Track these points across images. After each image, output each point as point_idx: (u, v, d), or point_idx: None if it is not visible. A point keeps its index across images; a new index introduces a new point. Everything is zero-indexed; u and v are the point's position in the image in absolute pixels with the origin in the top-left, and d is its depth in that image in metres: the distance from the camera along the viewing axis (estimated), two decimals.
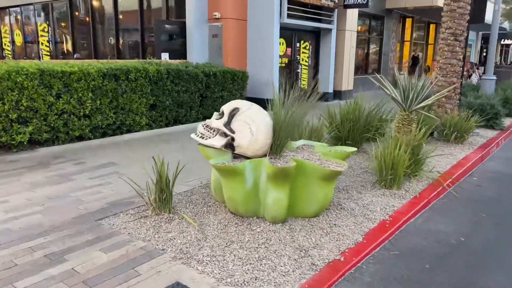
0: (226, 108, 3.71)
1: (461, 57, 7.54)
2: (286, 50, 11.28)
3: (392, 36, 17.57)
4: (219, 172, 3.50)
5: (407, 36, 19.43)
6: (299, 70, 11.89)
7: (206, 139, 3.71)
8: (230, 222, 3.53)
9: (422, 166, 4.89)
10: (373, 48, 16.61)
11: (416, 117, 5.46)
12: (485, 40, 31.72)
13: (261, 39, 10.20)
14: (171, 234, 3.31)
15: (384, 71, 17.36)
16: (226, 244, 3.16)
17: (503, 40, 35.43)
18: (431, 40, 22.24)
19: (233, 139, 3.63)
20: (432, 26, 22.01)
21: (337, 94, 12.76)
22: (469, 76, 14.24)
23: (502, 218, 4.12)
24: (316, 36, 12.30)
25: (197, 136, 3.77)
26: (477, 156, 6.21)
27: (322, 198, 3.55)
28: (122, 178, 4.70)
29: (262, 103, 10.31)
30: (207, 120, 3.85)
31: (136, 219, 3.60)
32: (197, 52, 10.16)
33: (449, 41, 7.45)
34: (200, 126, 3.81)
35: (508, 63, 39.66)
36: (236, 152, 3.68)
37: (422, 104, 5.15)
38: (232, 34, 10.13)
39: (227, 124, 3.65)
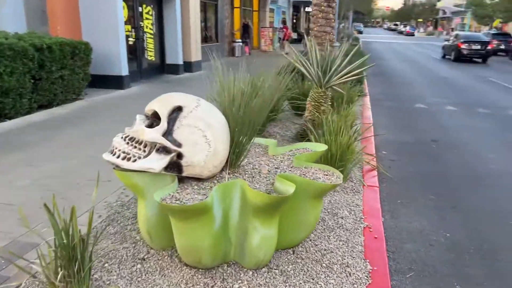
0: (161, 107, 2.36)
1: (334, 24, 7.34)
2: (128, 15, 9.45)
3: (225, 2, 16.99)
4: (175, 214, 2.19)
5: (236, 2, 19.16)
6: (144, 39, 10.22)
7: (134, 160, 2.31)
8: (196, 285, 2.30)
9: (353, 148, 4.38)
10: (209, 15, 15.74)
11: (331, 93, 4.92)
12: (295, 8, 34.27)
13: (99, 1, 8.19)
14: None
15: (221, 39, 16.78)
16: None
17: (306, 7, 38.90)
18: (255, 7, 22.60)
19: (179, 155, 2.34)
20: None
21: (187, 66, 11.58)
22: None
23: (451, 199, 3.92)
24: (158, 0, 10.72)
25: (115, 155, 2.33)
26: (371, 126, 6.12)
27: (313, 221, 2.61)
28: None
29: (112, 81, 8.48)
30: (127, 129, 2.42)
31: None
32: (9, 18, 7.56)
33: (322, 7, 7.10)
34: (118, 139, 2.36)
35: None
36: (185, 174, 2.40)
37: (342, 80, 4.59)
38: None
39: (168, 134, 2.33)
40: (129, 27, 9.51)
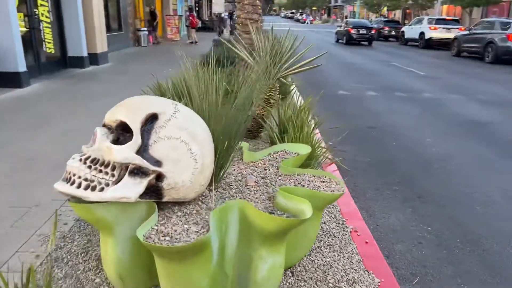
0: (130, 116, 1.81)
1: (261, 11, 7.01)
2: (19, 1, 8.09)
3: None
4: (168, 256, 1.69)
5: None
6: (40, 29, 8.90)
7: (102, 188, 1.74)
8: None
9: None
10: (111, 1, 14.41)
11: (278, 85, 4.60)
12: None
13: None
14: None
15: (125, 27, 15.54)
16: None
17: None
18: None
19: (159, 176, 1.83)
20: None
21: (93, 58, 10.41)
22: (222, 32, 14.28)
23: (413, 189, 3.87)
24: None
25: (74, 185, 1.74)
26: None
27: (314, 236, 2.28)
28: None
29: (7, 78, 7.17)
30: (85, 147, 1.82)
31: None
32: None
33: None
34: (75, 163, 1.76)
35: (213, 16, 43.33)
36: (166, 199, 1.90)
37: (295, 71, 4.29)
38: None
39: (143, 150, 1.79)
40: (21, 14, 8.18)
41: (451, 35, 19.80)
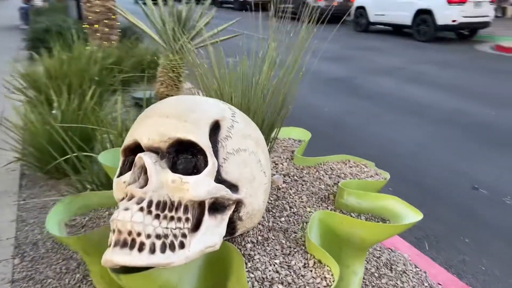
0: (192, 131, 1.23)
1: None
2: None
3: None
4: None
5: None
6: None
7: (181, 244, 1.15)
8: None
9: None
10: None
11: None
12: None
13: None
14: None
15: None
16: None
17: None
18: None
19: (238, 206, 1.32)
20: None
21: None
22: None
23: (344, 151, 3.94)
24: None
25: (142, 250, 1.10)
26: None
27: None
28: None
29: None
30: (134, 188, 1.16)
31: None
32: None
33: None
34: (136, 216, 1.10)
35: None
36: (239, 232, 1.41)
37: (209, 41, 3.79)
38: None
39: (219, 172, 1.26)
40: None
41: None
